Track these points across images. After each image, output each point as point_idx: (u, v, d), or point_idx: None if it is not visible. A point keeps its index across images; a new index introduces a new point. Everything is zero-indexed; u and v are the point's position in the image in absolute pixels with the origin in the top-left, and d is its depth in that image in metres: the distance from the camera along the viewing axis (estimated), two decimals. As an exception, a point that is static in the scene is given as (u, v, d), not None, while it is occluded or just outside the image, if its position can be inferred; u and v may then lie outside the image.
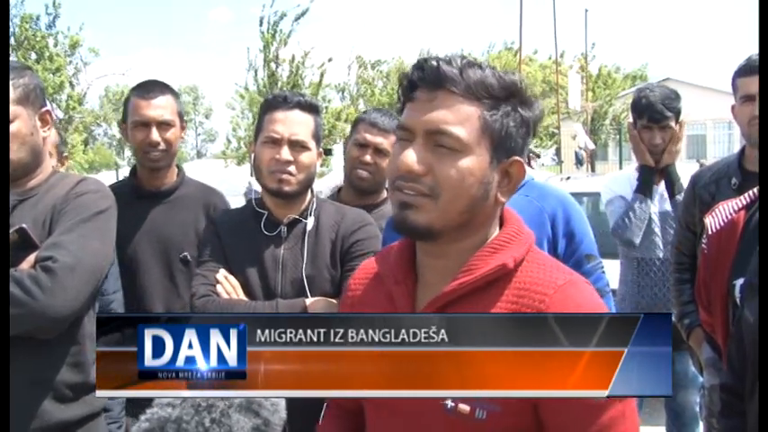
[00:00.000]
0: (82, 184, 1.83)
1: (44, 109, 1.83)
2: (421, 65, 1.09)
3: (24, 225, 1.68)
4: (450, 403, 1.07)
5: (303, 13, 13.59)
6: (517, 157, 1.12)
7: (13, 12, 12.56)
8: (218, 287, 1.86)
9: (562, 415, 1.06)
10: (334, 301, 1.88)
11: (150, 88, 2.37)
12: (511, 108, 1.09)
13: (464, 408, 1.07)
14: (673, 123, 2.99)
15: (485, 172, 1.08)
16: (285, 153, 1.88)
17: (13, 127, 1.72)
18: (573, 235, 1.89)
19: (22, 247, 1.66)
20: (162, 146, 2.32)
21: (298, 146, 1.89)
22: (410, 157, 1.07)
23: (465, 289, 1.10)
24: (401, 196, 1.09)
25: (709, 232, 1.91)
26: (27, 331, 1.60)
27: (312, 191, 2.01)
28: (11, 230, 1.67)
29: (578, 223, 1.92)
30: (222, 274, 1.88)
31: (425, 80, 1.08)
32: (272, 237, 1.92)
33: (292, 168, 1.88)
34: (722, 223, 1.88)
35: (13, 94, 1.72)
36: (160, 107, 2.32)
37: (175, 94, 2.44)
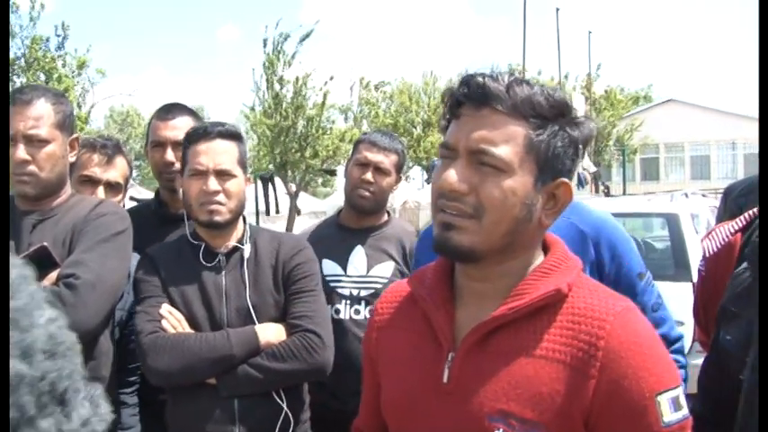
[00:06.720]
0: (101, 206, 1.92)
1: (74, 135, 1.96)
2: (467, 81, 1.06)
3: (45, 243, 1.74)
4: (501, 429, 1.03)
5: (307, 35, 13.70)
6: (564, 179, 1.08)
7: (24, 33, 12.74)
8: (164, 322, 1.84)
9: None
10: (281, 326, 1.91)
11: (169, 109, 2.41)
12: (558, 128, 1.05)
13: None
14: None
15: (528, 192, 1.05)
16: (212, 183, 1.89)
17: (49, 148, 1.84)
18: (621, 259, 1.83)
19: (44, 265, 1.72)
20: (177, 166, 2.29)
21: (224, 175, 1.91)
22: (452, 176, 1.04)
23: (515, 314, 1.06)
24: (444, 217, 1.06)
25: (707, 255, 1.94)
26: None
27: (245, 218, 2.03)
28: (32, 248, 1.73)
29: (624, 246, 1.86)
30: (166, 308, 1.87)
31: (471, 97, 1.05)
32: (212, 267, 1.93)
33: (221, 198, 1.90)
34: (719, 246, 1.90)
35: (53, 118, 1.86)
36: (177, 128, 2.32)
37: (196, 116, 2.45)
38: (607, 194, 13.14)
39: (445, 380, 1.10)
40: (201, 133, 1.95)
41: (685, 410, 1.03)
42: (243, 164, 1.98)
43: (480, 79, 1.05)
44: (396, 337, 1.21)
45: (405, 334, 1.20)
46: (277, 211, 13.30)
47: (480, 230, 1.04)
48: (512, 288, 1.08)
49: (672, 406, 1.00)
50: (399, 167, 2.58)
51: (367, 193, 2.48)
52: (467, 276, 1.14)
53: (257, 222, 12.87)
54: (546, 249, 1.15)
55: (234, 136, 1.97)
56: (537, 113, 1.04)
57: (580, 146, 1.08)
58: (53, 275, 1.72)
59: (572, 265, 1.12)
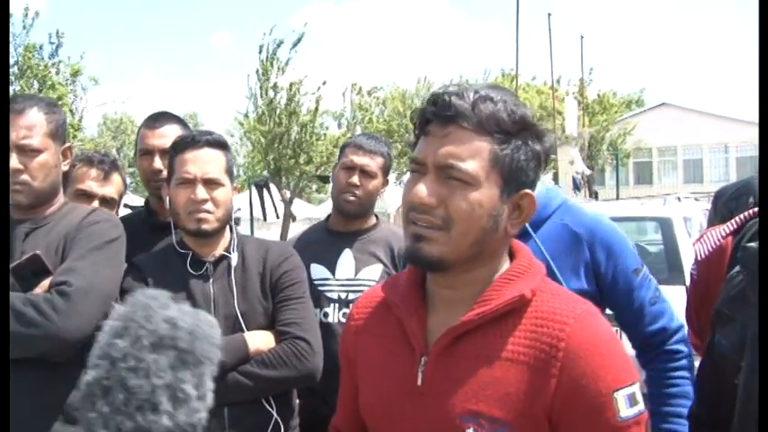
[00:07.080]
0: (93, 214, 1.93)
1: (66, 144, 1.96)
2: (434, 100, 1.12)
3: (38, 251, 1.75)
4: (472, 428, 1.08)
5: (299, 40, 13.70)
6: (528, 191, 1.14)
7: (17, 41, 12.74)
8: None
9: None
10: (270, 333, 1.92)
11: (157, 118, 2.42)
12: (522, 142, 1.12)
13: None
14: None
15: (494, 204, 1.11)
16: (200, 192, 1.89)
17: (41, 158, 1.85)
18: (617, 259, 1.86)
19: (36, 273, 1.72)
20: (165, 174, 2.29)
21: (212, 183, 1.91)
22: (422, 190, 1.10)
23: (482, 319, 1.12)
24: (414, 229, 1.12)
25: (698, 258, 1.95)
26: (39, 353, 1.65)
27: (231, 227, 2.03)
28: (24, 257, 1.74)
29: (619, 245, 1.88)
30: None
31: (438, 115, 1.11)
32: (199, 275, 1.93)
33: (209, 206, 1.90)
34: (710, 249, 1.91)
35: (46, 127, 1.86)
36: (164, 136, 2.34)
37: (183, 124, 2.47)
38: (596, 199, 13.23)
39: (419, 383, 1.15)
40: (189, 142, 1.95)
41: (641, 406, 1.09)
42: (230, 173, 1.98)
43: (447, 98, 1.10)
44: (371, 343, 1.27)
45: (379, 340, 1.25)
46: (277, 216, 13.29)
47: (449, 241, 1.10)
48: (479, 294, 1.14)
49: (628, 402, 1.07)
50: (386, 170, 2.59)
51: (352, 197, 2.48)
52: (437, 284, 1.19)
53: (251, 229, 12.84)
54: (512, 256, 1.21)
55: (221, 145, 1.98)
56: (501, 129, 1.10)
57: (542, 158, 1.15)
58: (45, 283, 1.72)
59: (536, 270, 1.18)
